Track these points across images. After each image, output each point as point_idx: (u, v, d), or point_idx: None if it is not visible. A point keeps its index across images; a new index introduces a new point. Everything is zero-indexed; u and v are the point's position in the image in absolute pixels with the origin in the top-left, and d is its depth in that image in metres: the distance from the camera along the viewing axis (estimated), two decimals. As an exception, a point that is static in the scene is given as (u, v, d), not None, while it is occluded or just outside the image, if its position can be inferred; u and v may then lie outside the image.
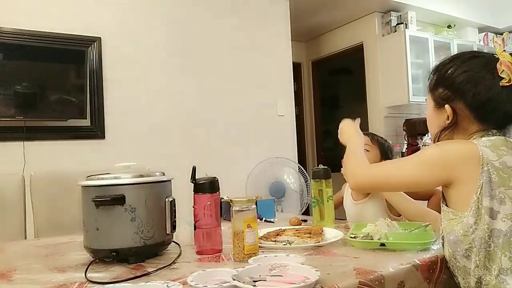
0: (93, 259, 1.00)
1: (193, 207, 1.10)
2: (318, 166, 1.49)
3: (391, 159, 1.83)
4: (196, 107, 3.07)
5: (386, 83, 4.25)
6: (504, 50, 0.95)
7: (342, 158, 1.24)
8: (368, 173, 1.07)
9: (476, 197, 0.87)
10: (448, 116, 0.98)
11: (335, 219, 1.47)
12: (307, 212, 2.61)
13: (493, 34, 5.00)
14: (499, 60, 0.93)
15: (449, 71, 0.99)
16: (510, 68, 0.92)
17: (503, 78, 0.92)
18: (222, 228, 1.11)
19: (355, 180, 1.09)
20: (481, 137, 0.95)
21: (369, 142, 1.77)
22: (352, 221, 1.79)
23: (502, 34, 5.72)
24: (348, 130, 1.28)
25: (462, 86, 0.96)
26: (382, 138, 1.85)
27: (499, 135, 0.95)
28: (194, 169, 1.11)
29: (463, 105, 0.96)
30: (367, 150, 1.76)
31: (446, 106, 0.98)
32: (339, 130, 1.32)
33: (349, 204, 1.79)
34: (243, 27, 3.35)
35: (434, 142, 1.03)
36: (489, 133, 0.95)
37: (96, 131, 2.68)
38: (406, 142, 4.17)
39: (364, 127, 5.56)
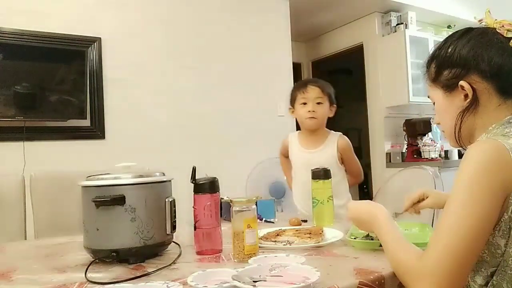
0: (93, 259, 1.00)
1: (193, 207, 1.10)
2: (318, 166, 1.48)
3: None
4: (196, 107, 3.07)
5: (386, 83, 4.25)
6: (495, 19, 0.88)
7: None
8: (433, 264, 0.73)
9: (508, 216, 0.74)
10: (465, 96, 0.85)
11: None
12: (307, 212, 2.61)
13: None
14: (498, 25, 0.86)
15: (450, 50, 0.89)
16: None
17: (510, 38, 0.83)
18: (222, 228, 1.11)
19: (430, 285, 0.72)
20: (501, 124, 0.83)
21: (320, 94, 1.73)
22: (298, 171, 1.84)
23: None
24: (358, 208, 1.02)
25: (471, 56, 0.84)
26: (327, 83, 1.81)
27: None
28: (194, 169, 1.10)
29: (479, 76, 0.84)
30: (321, 103, 1.75)
31: (461, 82, 0.85)
32: (349, 215, 1.05)
33: (296, 153, 1.84)
34: (243, 27, 3.35)
35: (454, 135, 0.89)
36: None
37: (96, 131, 2.68)
38: (406, 143, 4.17)
39: (364, 127, 5.53)
